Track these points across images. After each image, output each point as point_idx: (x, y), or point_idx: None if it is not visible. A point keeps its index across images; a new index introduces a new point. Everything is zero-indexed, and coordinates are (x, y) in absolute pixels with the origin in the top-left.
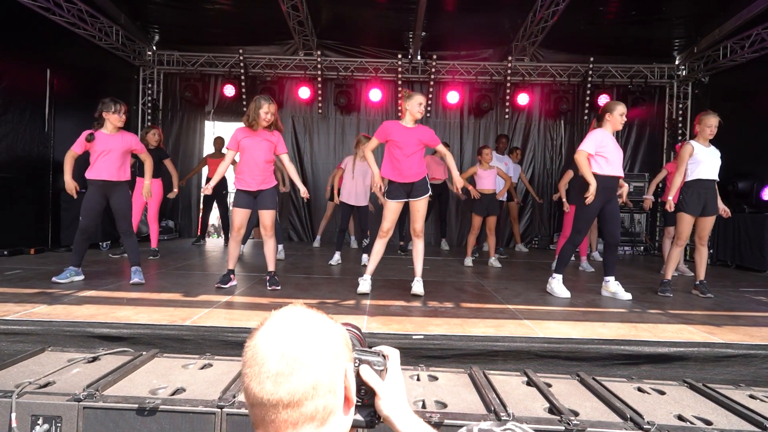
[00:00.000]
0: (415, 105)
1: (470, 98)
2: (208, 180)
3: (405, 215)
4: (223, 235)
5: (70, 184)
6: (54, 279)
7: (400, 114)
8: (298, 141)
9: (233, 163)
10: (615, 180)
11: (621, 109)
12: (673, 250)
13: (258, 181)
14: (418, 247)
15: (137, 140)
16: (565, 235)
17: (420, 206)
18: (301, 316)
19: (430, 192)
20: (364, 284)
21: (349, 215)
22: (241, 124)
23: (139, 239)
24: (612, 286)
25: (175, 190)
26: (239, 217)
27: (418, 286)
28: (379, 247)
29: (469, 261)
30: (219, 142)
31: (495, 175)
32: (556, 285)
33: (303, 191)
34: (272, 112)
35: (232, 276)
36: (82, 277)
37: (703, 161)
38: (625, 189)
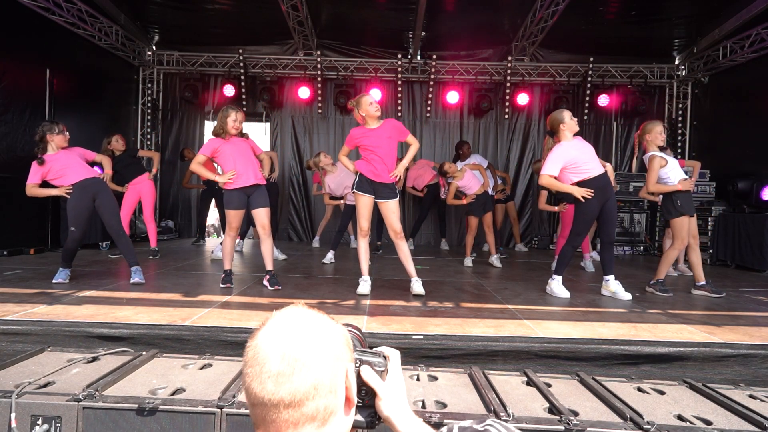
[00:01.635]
0: (367, 107)
1: (470, 98)
2: (206, 181)
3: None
4: (222, 236)
5: (58, 191)
6: (54, 281)
7: (363, 117)
8: (297, 141)
9: (217, 163)
10: (604, 177)
11: (569, 113)
12: (671, 252)
13: (252, 175)
14: (403, 250)
15: (84, 150)
16: (564, 234)
17: (391, 207)
18: (303, 317)
19: (398, 196)
20: (364, 285)
21: (350, 217)
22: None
23: (139, 239)
24: (612, 285)
25: (154, 170)
26: (236, 218)
27: (417, 286)
28: (364, 245)
29: (468, 261)
30: None
31: (472, 174)
32: (556, 286)
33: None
34: (240, 120)
35: (230, 276)
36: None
37: (674, 167)
38: (611, 174)
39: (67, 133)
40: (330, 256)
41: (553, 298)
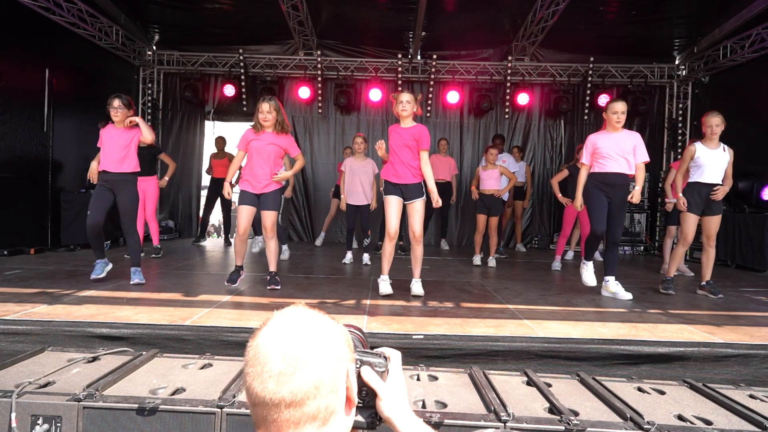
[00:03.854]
0: (397, 104)
1: (470, 98)
2: (213, 180)
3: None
4: (223, 235)
5: (92, 170)
6: (92, 277)
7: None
8: (298, 141)
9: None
10: (614, 176)
11: (614, 107)
12: (677, 249)
13: (262, 184)
14: (416, 253)
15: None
16: (565, 234)
17: (416, 208)
18: (304, 317)
19: (424, 197)
20: (384, 285)
21: (355, 215)
22: (244, 125)
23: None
24: (612, 285)
25: (166, 178)
26: (244, 214)
27: (417, 287)
28: (389, 248)
29: (477, 260)
30: (220, 141)
31: (498, 175)
32: (586, 272)
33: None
34: (266, 111)
35: (241, 272)
36: (110, 265)
37: (706, 164)
38: (636, 192)
39: (114, 108)
40: (349, 256)
41: (553, 297)
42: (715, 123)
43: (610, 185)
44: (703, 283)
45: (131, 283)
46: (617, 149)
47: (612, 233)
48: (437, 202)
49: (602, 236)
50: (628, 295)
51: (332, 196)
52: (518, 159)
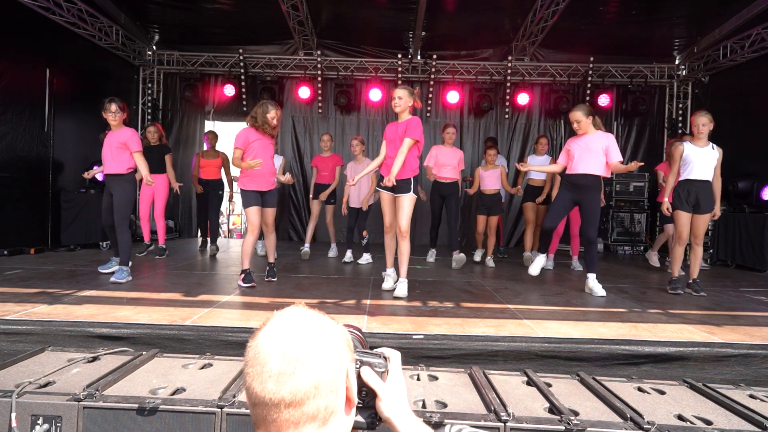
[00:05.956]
0: (392, 100)
1: (470, 98)
2: (200, 181)
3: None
4: (202, 237)
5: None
6: (100, 268)
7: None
8: (298, 141)
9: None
10: (583, 177)
11: (571, 116)
12: (674, 248)
13: (270, 182)
14: (402, 248)
15: (131, 137)
16: (573, 233)
17: (402, 204)
18: (303, 317)
19: (411, 192)
20: (389, 280)
21: (356, 216)
22: (244, 125)
23: (139, 239)
24: (590, 282)
25: (174, 186)
26: (254, 215)
27: (401, 288)
28: (389, 241)
29: (478, 255)
30: (212, 137)
31: (498, 175)
32: (533, 264)
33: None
34: (279, 118)
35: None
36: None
37: (694, 162)
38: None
39: (112, 113)
40: (349, 255)
41: (553, 297)
42: (701, 122)
43: (579, 186)
44: (690, 281)
45: (110, 280)
46: (586, 150)
47: (586, 232)
48: (390, 181)
49: (550, 232)
50: (602, 292)
51: (325, 202)
52: (541, 153)
